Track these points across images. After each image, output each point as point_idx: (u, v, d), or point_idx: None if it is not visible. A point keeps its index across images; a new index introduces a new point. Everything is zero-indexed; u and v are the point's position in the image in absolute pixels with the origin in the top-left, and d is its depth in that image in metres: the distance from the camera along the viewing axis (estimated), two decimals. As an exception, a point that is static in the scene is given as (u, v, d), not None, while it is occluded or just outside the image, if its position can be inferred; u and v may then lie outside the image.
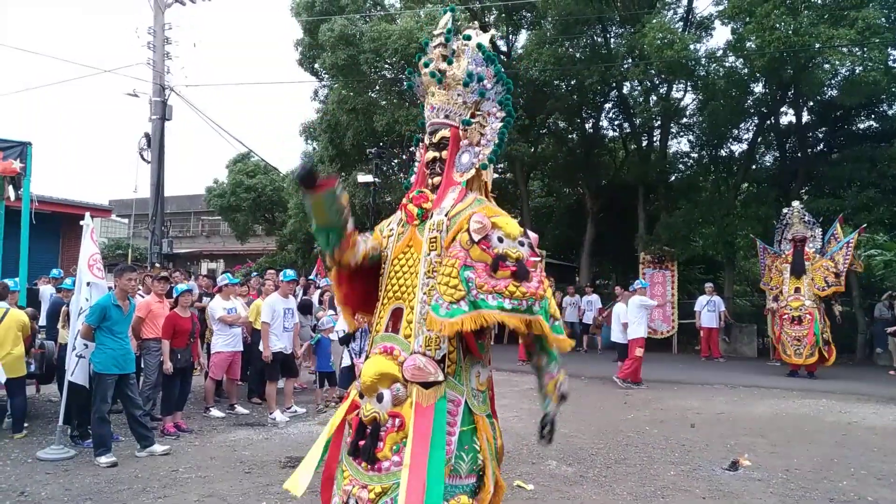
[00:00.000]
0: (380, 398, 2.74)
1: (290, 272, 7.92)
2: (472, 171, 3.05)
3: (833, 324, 11.24)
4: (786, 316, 11.21)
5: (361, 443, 2.74)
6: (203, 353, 8.02)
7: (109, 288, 5.87)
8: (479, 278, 2.64)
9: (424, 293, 2.80)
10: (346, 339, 5.84)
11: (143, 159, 15.58)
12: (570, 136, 18.41)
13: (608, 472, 5.37)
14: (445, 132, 3.10)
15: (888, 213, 13.54)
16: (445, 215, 2.90)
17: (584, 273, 17.77)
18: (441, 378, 2.73)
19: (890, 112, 14.77)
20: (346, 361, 5.88)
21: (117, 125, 70.31)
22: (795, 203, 11.89)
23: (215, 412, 7.43)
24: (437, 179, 3.09)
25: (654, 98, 16.54)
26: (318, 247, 21.51)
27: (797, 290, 11.20)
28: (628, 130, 18.01)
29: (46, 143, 53.71)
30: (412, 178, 3.30)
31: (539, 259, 2.80)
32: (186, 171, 64.47)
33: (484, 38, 3.17)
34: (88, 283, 5.80)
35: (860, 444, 6.50)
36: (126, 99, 22.14)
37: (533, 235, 2.84)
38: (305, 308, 8.23)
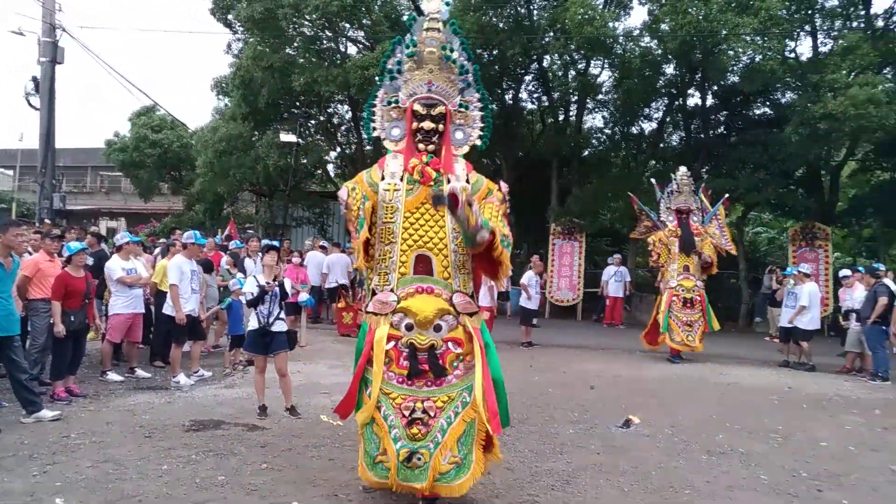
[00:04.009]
0: (437, 328, 3.55)
1: (200, 236, 7.67)
2: (467, 148, 3.95)
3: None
4: (675, 298, 9.78)
5: (422, 366, 3.52)
6: (100, 315, 7.58)
7: None
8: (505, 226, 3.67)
9: (456, 244, 3.66)
10: (253, 302, 5.68)
11: (31, 105, 14.17)
12: (489, 106, 18.47)
13: (511, 432, 5.56)
14: (442, 108, 3.82)
15: (774, 195, 14.75)
16: (466, 181, 3.75)
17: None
18: (477, 308, 3.79)
19: (783, 100, 15.77)
20: (253, 324, 5.74)
21: None
22: (682, 168, 10.60)
23: (113, 376, 7.08)
24: (430, 147, 3.78)
25: (573, 73, 16.86)
26: (227, 208, 20.66)
27: (686, 268, 9.90)
28: (546, 104, 18.32)
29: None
30: (374, 133, 3.97)
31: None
32: (83, 123, 59.46)
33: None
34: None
35: (737, 403, 7.16)
36: (10, 37, 19.83)
37: (505, 188, 3.89)
38: (207, 267, 7.97)
